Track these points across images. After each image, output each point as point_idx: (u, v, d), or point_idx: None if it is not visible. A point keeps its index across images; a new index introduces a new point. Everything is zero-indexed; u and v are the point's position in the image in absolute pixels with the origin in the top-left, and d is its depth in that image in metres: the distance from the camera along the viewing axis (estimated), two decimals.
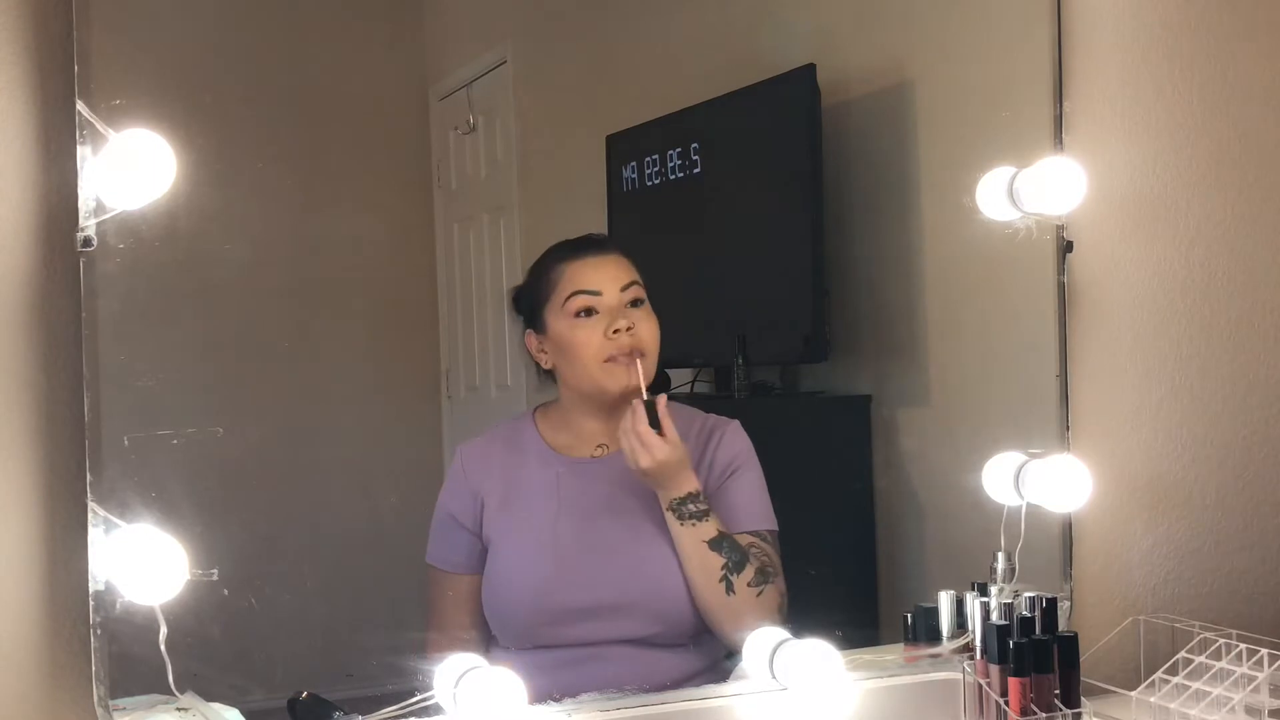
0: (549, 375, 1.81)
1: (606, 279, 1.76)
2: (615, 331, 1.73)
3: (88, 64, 1.39)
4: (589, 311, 1.75)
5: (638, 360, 1.74)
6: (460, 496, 1.78)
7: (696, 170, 2.14)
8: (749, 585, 1.70)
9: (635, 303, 1.77)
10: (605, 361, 1.74)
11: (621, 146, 2.17)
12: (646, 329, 1.76)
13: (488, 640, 1.76)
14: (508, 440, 1.84)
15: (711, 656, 1.75)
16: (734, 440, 1.81)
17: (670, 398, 1.93)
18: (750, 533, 1.76)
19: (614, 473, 1.75)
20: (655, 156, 2.16)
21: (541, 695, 1.56)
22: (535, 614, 1.73)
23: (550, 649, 1.71)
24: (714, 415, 1.84)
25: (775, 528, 1.78)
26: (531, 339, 1.80)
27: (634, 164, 2.18)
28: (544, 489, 1.78)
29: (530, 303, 1.80)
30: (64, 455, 1.41)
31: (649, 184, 2.17)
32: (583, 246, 1.80)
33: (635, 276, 1.78)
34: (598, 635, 1.71)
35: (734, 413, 1.86)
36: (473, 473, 1.80)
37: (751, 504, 1.79)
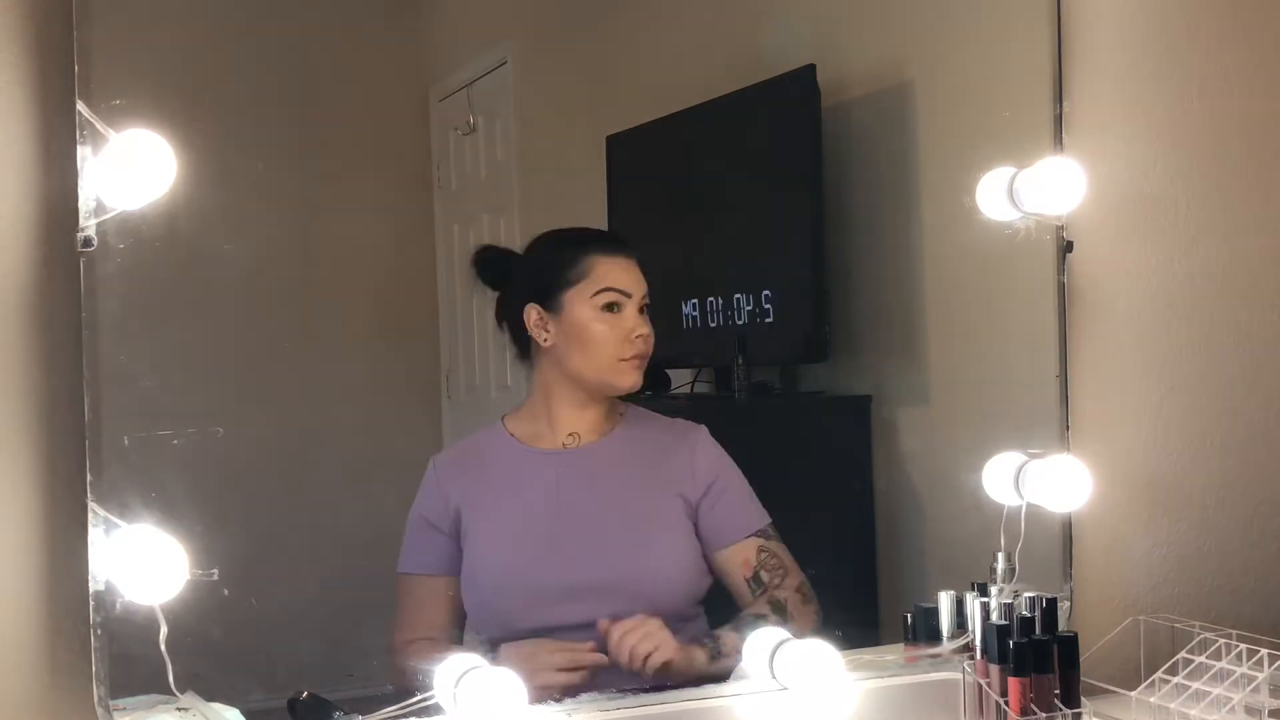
0: (528, 354, 1.84)
1: (635, 282, 1.82)
2: (637, 336, 1.80)
3: (88, 64, 1.39)
4: (615, 307, 1.80)
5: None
6: (432, 499, 1.81)
7: None
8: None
9: (645, 309, 1.83)
10: (621, 360, 1.80)
11: (622, 147, 2.17)
12: (651, 336, 1.83)
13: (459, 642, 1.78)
14: (477, 444, 1.89)
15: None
16: (710, 452, 1.85)
17: (670, 398, 1.94)
18: (755, 535, 1.81)
19: (584, 460, 1.81)
20: None
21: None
22: (511, 595, 1.75)
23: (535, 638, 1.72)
24: (679, 420, 1.89)
25: (768, 518, 1.84)
26: (533, 313, 1.82)
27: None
28: (514, 479, 1.82)
29: (547, 281, 1.82)
30: (64, 455, 1.41)
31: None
32: (615, 244, 1.86)
33: (646, 285, 1.84)
34: (576, 617, 1.71)
35: (734, 413, 1.87)
36: (445, 478, 1.83)
37: (747, 509, 1.83)
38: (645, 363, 1.82)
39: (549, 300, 1.81)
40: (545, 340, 1.82)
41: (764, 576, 1.80)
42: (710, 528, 1.81)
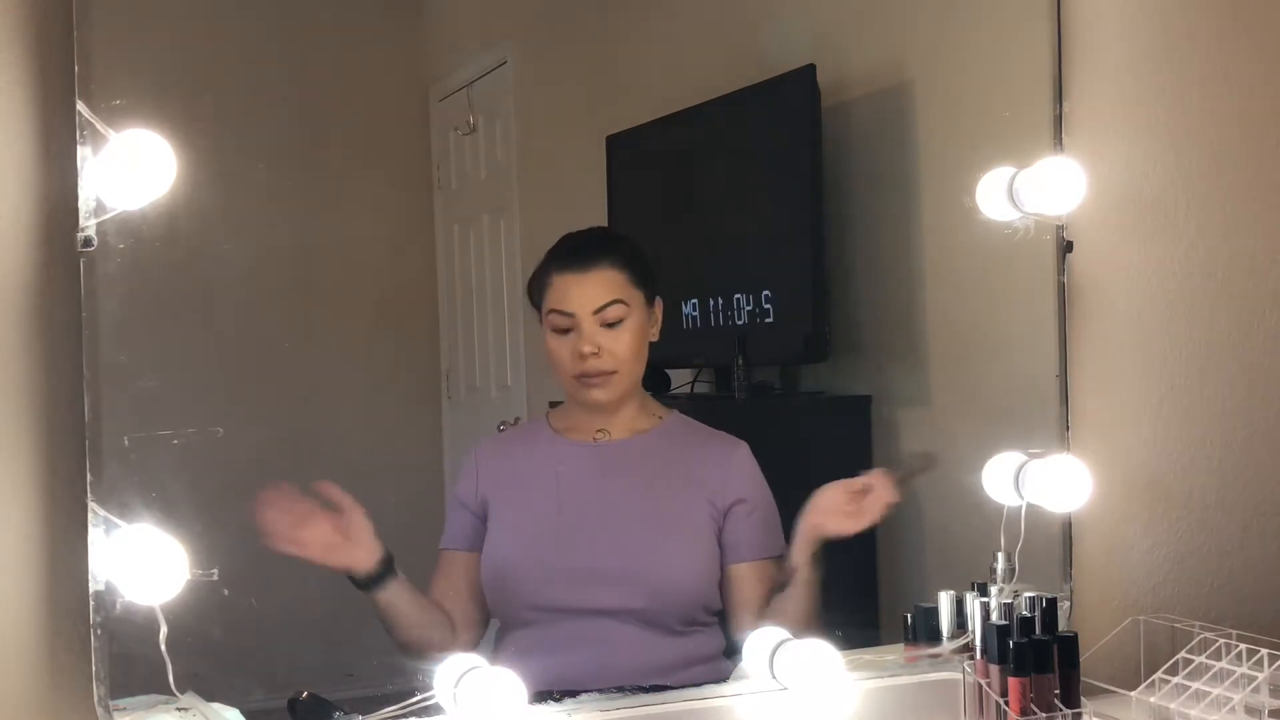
0: None
1: (582, 300, 1.77)
2: (580, 355, 1.77)
3: (88, 64, 1.39)
4: (563, 329, 1.78)
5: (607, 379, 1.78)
6: (466, 482, 1.83)
7: None
8: None
9: (613, 323, 1.78)
10: (574, 377, 1.79)
11: (622, 147, 2.18)
12: (620, 348, 1.78)
13: (485, 621, 1.79)
14: (520, 432, 1.93)
15: (711, 647, 1.78)
16: (747, 468, 1.83)
17: (670, 398, 1.94)
18: (778, 557, 1.81)
19: (612, 453, 1.81)
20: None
21: (541, 676, 1.56)
22: (524, 573, 1.76)
23: (545, 622, 1.73)
24: (722, 432, 1.86)
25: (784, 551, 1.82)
26: (540, 323, 1.84)
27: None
28: (543, 466, 1.83)
29: (531, 294, 1.84)
30: (64, 455, 1.41)
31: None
32: (572, 258, 1.80)
33: (617, 294, 1.78)
34: (586, 602, 1.73)
35: (734, 413, 1.86)
36: (483, 461, 1.84)
37: (777, 532, 1.82)
38: (609, 378, 1.78)
39: (537, 311, 1.83)
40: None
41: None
42: (734, 541, 1.79)
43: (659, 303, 1.84)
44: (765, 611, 1.77)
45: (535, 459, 1.84)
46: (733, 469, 1.82)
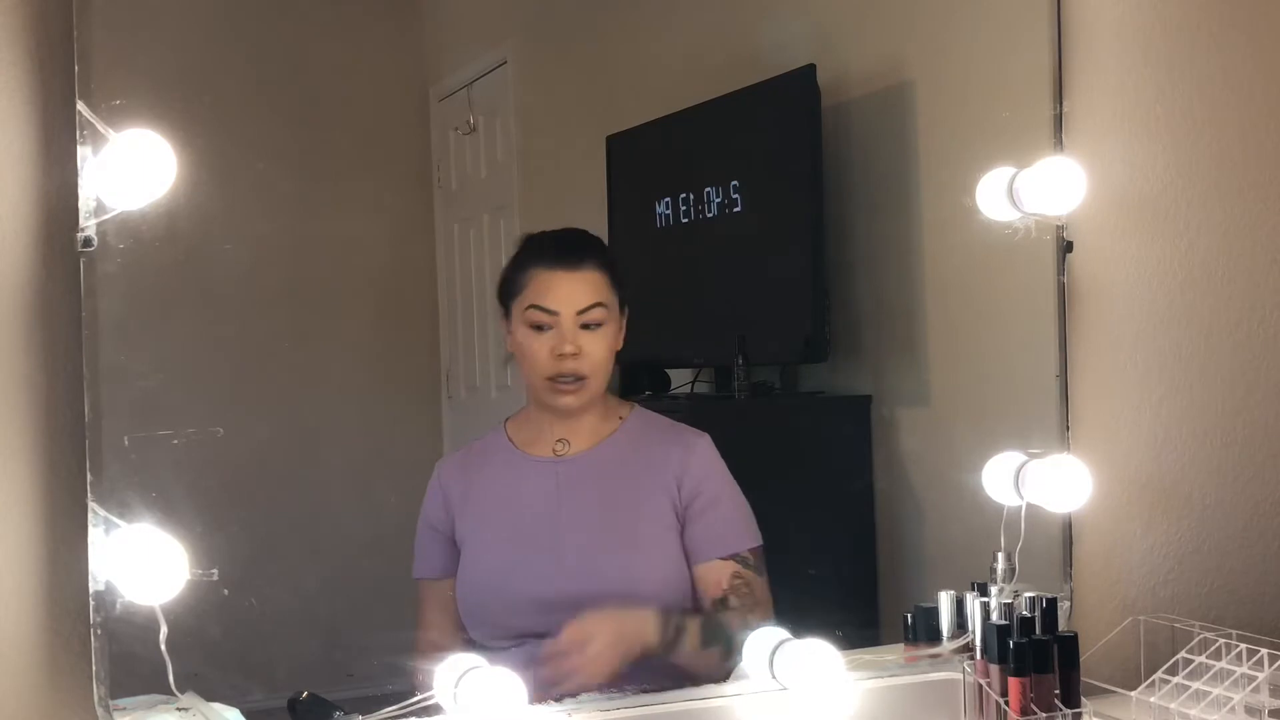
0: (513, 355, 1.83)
1: (567, 299, 1.75)
2: (560, 355, 1.75)
3: (88, 64, 1.39)
4: (543, 326, 1.75)
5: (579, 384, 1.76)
6: (434, 505, 1.81)
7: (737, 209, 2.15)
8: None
9: (592, 325, 1.76)
10: (547, 379, 1.76)
11: (622, 147, 2.18)
12: (596, 351, 1.76)
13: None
14: (479, 447, 1.87)
15: None
16: (705, 461, 1.80)
17: (670, 398, 1.93)
18: (733, 558, 1.76)
19: (571, 471, 1.78)
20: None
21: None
22: (493, 602, 1.75)
23: (519, 646, 1.71)
24: (683, 426, 1.84)
25: (758, 543, 1.78)
26: (503, 321, 1.82)
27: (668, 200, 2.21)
28: (505, 485, 1.81)
29: (502, 287, 1.81)
30: (64, 455, 1.41)
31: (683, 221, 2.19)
32: (558, 255, 1.78)
33: (600, 296, 1.77)
34: (556, 628, 1.70)
35: (734, 413, 1.85)
36: (446, 481, 1.83)
37: (734, 528, 1.79)
38: (583, 384, 1.76)
39: (505, 307, 1.80)
40: (509, 346, 1.82)
41: (732, 603, 1.75)
42: (691, 539, 1.77)
43: (626, 311, 1.82)
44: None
45: (495, 482, 1.82)
46: (692, 465, 1.79)
